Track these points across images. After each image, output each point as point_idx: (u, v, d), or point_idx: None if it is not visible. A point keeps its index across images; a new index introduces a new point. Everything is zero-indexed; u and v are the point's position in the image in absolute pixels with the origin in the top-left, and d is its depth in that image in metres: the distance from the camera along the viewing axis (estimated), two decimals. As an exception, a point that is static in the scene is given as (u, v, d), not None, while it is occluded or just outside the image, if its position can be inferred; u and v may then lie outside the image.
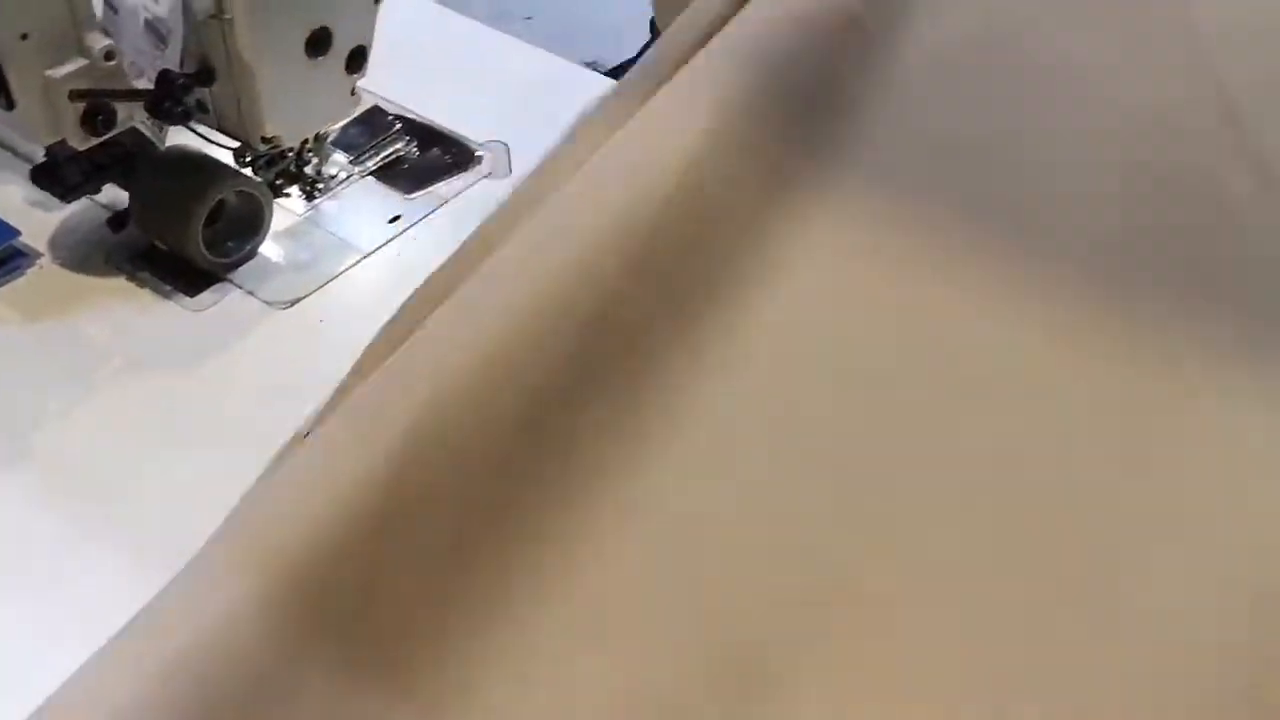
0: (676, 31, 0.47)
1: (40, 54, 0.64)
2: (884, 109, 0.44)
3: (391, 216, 0.78)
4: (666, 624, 0.38)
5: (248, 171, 0.73)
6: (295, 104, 0.70)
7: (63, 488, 0.63)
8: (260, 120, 0.69)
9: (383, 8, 0.71)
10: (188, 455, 0.64)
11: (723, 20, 0.45)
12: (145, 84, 0.66)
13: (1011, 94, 0.44)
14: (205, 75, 0.67)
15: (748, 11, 0.45)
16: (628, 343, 0.40)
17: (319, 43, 0.68)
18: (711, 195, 0.41)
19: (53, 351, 0.69)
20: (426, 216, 0.78)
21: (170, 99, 0.65)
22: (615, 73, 1.12)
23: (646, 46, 1.18)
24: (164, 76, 0.65)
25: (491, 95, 0.88)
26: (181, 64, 0.67)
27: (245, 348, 0.70)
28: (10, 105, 0.65)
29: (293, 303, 0.73)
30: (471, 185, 0.81)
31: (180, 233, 0.71)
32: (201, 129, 0.72)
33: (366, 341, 0.73)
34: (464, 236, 0.76)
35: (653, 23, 1.13)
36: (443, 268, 0.47)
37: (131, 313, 0.72)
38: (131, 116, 0.68)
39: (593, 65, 1.22)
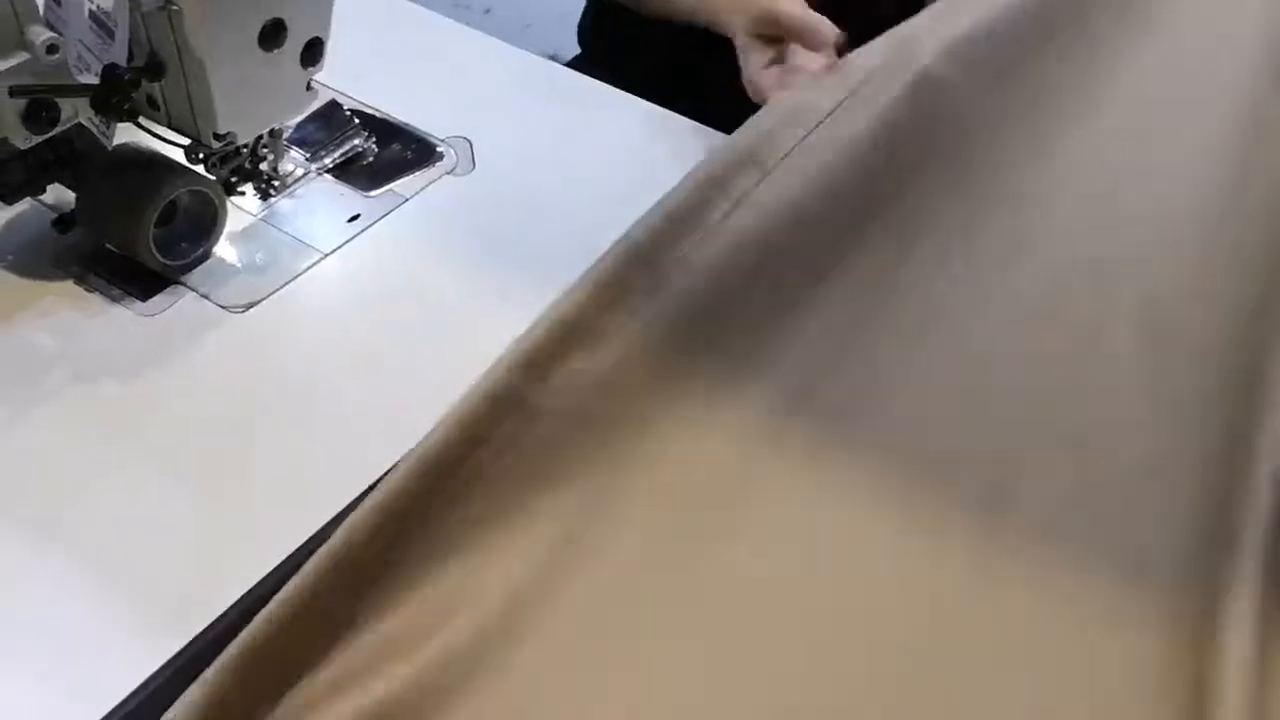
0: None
1: (-21, 48, 0.61)
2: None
3: (350, 215, 0.75)
4: None
5: (200, 170, 0.70)
6: (248, 99, 0.67)
7: (5, 500, 0.60)
8: (212, 116, 0.66)
9: (339, -1, 0.69)
10: (138, 466, 0.62)
11: None
12: (91, 79, 0.63)
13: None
14: (154, 69, 0.65)
15: None
16: None
17: (273, 35, 0.66)
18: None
19: (-4, 359, 0.66)
20: (387, 215, 0.76)
21: (117, 94, 0.62)
22: (576, 63, 1.10)
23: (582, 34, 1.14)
24: (110, 71, 0.62)
25: (453, 89, 0.86)
26: (129, 58, 0.64)
27: (199, 353, 0.67)
28: (-52, 102, 0.62)
29: (248, 306, 0.70)
30: (433, 182, 0.78)
31: (130, 234, 0.68)
32: (151, 126, 0.69)
33: (326, 346, 0.71)
34: (426, 235, 0.74)
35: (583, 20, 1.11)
36: None
37: (79, 318, 0.69)
38: (76, 113, 0.65)
39: (553, 57, 1.20)
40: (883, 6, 0.83)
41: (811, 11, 0.80)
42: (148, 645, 0.54)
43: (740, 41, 0.81)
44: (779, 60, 0.80)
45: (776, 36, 0.80)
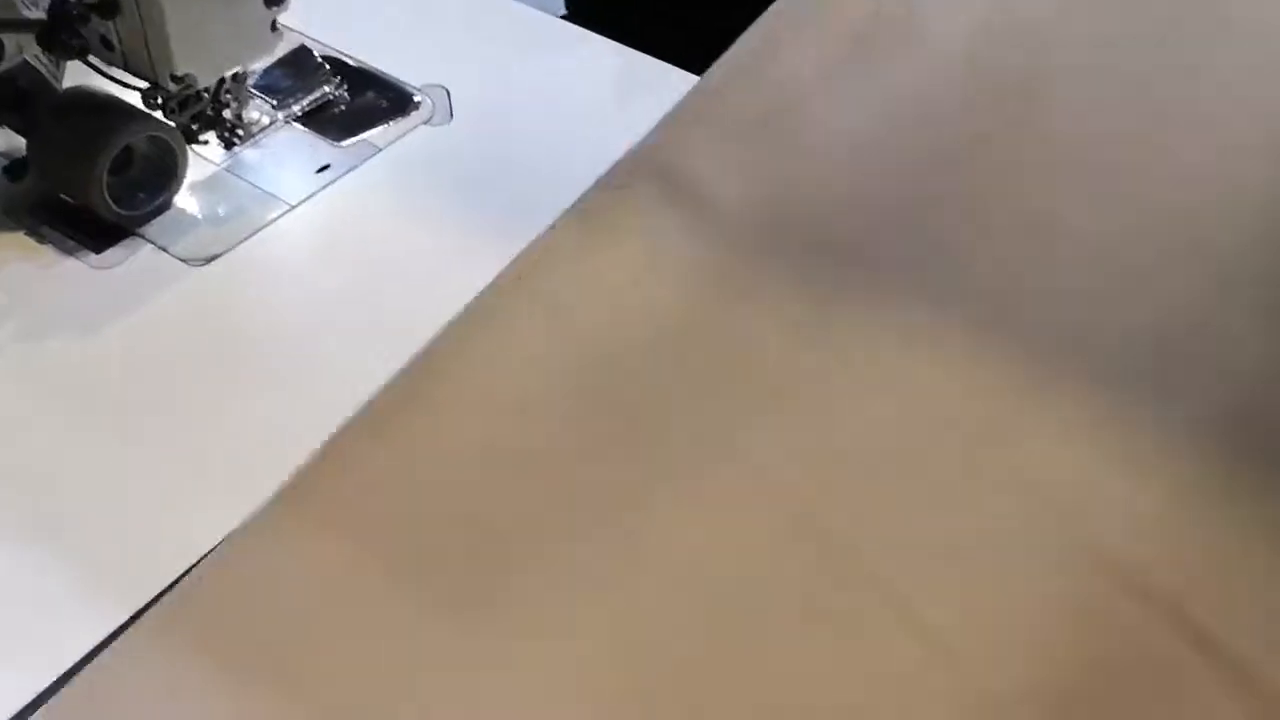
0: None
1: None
2: None
3: (320, 166, 0.71)
4: None
5: (159, 115, 0.66)
6: (208, 38, 0.63)
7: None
8: (169, 57, 0.62)
9: (307, -66, 0.65)
10: (91, 426, 0.58)
11: None
12: (38, 14, 0.60)
13: None
14: (107, 6, 0.61)
15: None
16: None
17: (234, -30, 0.62)
18: None
19: (-59, 314, 0.63)
20: (358, 166, 0.72)
21: (65, 30, 0.58)
22: (572, 14, 1.06)
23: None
24: (58, 5, 0.59)
25: (431, 34, 0.82)
26: (81, -9, 0.60)
27: (157, 309, 0.64)
28: (-117, 37, 0.58)
29: (210, 259, 0.66)
30: (408, 132, 0.74)
31: (83, 182, 0.64)
32: (106, 67, 0.65)
33: (291, 301, 0.67)
34: (400, 187, 0.71)
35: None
36: None
37: (31, 271, 0.65)
38: (21, 50, 0.61)
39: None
40: None
41: None
42: (100, 611, 0.51)
43: None
44: None
45: None
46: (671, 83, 0.78)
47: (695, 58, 0.85)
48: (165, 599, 0.48)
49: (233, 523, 0.54)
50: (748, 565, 0.45)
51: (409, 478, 0.50)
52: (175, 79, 0.63)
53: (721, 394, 0.50)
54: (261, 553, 0.48)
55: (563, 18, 1.01)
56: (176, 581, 0.52)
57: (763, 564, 0.45)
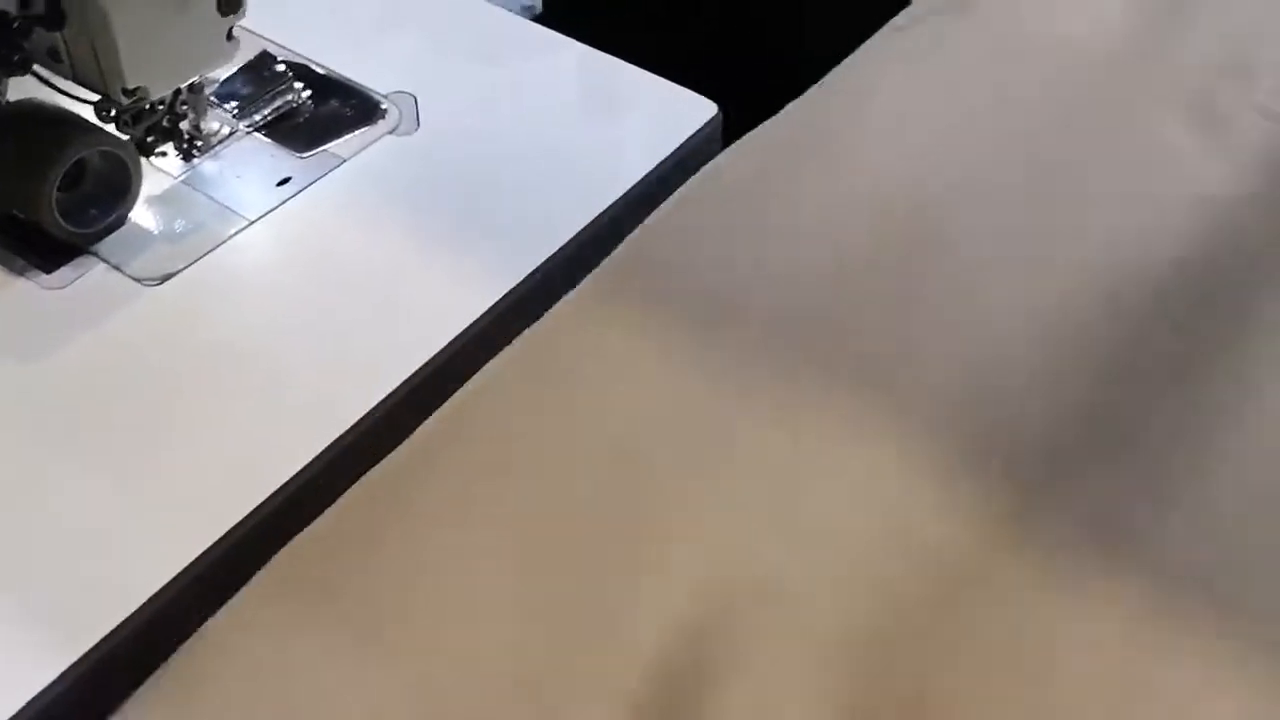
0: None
1: None
2: None
3: (281, 178, 0.69)
4: None
5: (112, 128, 0.64)
6: (160, 50, 0.61)
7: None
8: (119, 70, 0.60)
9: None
10: (41, 453, 0.56)
11: None
12: (-23, 27, 0.57)
13: None
14: (53, 18, 0.58)
15: None
16: None
17: (185, -22, 0.60)
18: None
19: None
20: (322, 178, 0.69)
21: (6, 45, 0.56)
22: (546, 16, 1.03)
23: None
24: (-1, 18, 0.56)
25: (398, 39, 0.79)
26: (25, 3, 0.58)
27: (110, 331, 0.61)
28: None
29: (165, 278, 0.64)
30: (374, 142, 0.71)
31: (31, 198, 0.62)
32: (56, 80, 0.62)
33: (250, 323, 0.65)
34: (365, 200, 0.68)
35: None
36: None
37: (-22, 291, 0.63)
38: (-39, 65, 0.59)
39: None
40: None
41: None
42: (36, 660, 0.49)
43: None
44: None
45: None
46: (650, 91, 0.76)
47: (668, 62, 0.83)
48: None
49: (189, 552, 0.52)
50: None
51: None
52: (126, 92, 0.61)
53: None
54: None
55: (537, 18, 0.98)
56: (134, 615, 0.50)
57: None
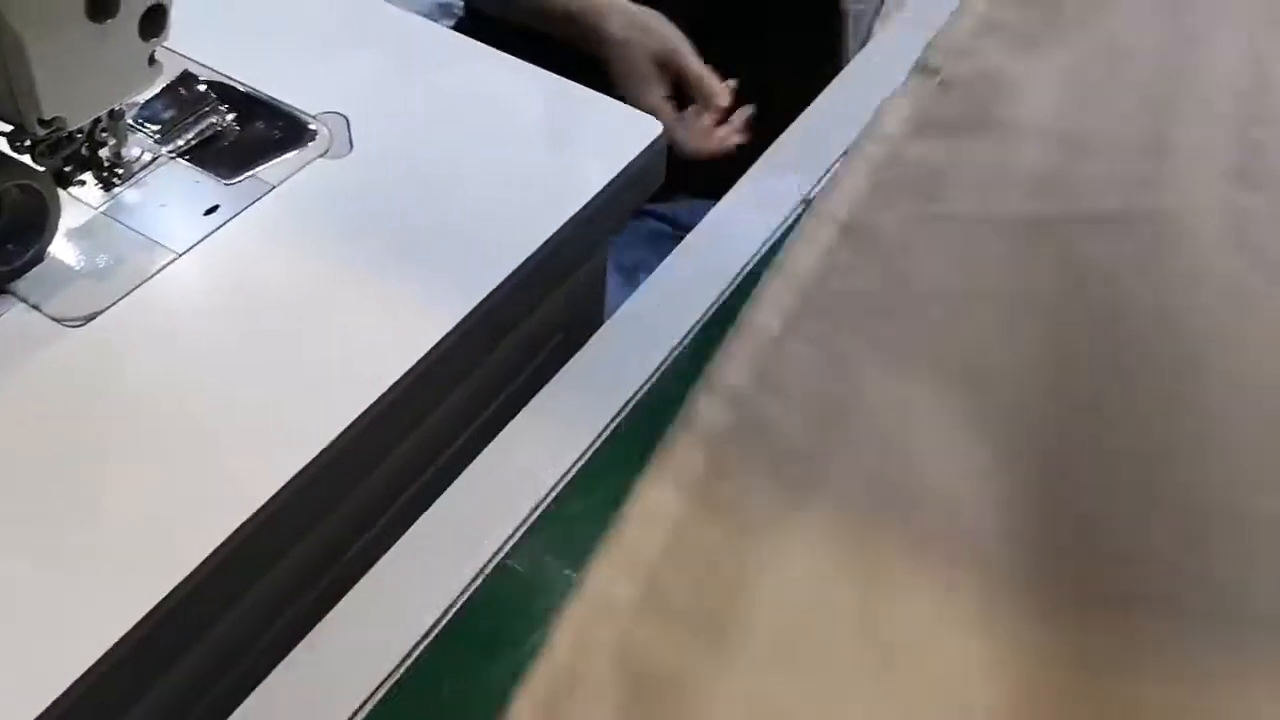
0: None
1: None
2: None
3: (208, 207, 0.66)
4: None
5: (27, 160, 0.60)
6: (78, 78, 0.57)
7: None
8: (35, 100, 0.56)
9: (186, -43, 0.59)
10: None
11: None
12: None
13: None
14: (-40, 45, 0.55)
15: None
16: None
17: (103, 3, 0.56)
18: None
19: None
20: (250, 205, 0.66)
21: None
22: (470, 26, 1.01)
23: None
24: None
25: (327, 57, 0.76)
26: (-70, 31, 0.54)
27: (29, 374, 0.58)
28: None
29: (89, 318, 0.60)
30: (304, 165, 0.68)
31: (-58, 237, 0.58)
32: (-36, 109, 0.59)
33: (180, 361, 0.61)
34: (296, 228, 0.65)
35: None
36: None
37: (-115, 334, 0.59)
38: None
39: (445, 8, 1.10)
40: (772, 68, 0.96)
41: (710, 74, 0.94)
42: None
43: (641, 68, 0.94)
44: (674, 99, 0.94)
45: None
46: (589, 108, 0.74)
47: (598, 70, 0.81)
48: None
49: (106, 623, 0.49)
50: None
51: None
52: (43, 123, 0.57)
53: None
54: None
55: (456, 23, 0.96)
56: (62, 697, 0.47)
57: None
